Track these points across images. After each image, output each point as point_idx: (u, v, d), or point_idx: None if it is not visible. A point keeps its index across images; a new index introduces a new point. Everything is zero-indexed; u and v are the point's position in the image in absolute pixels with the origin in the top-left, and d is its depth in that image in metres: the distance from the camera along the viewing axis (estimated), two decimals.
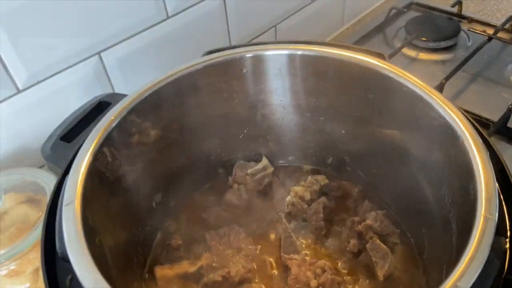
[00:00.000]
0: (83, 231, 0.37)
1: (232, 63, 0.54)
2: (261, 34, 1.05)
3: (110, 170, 0.47)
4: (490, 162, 0.38)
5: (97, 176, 0.44)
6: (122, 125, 0.48)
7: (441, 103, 0.44)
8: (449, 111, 0.43)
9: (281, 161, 0.67)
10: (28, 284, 0.62)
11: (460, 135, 0.41)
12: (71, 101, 0.76)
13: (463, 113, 0.43)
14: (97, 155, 0.44)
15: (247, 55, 0.53)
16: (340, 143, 0.62)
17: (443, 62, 1.06)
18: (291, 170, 0.67)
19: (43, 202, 0.66)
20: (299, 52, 0.51)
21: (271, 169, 0.65)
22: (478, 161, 0.37)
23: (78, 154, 0.43)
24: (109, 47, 0.79)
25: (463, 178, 0.39)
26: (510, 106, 0.91)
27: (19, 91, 0.70)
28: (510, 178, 0.39)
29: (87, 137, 0.46)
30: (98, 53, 0.78)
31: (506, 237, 0.37)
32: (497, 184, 0.36)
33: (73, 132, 0.51)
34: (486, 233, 0.32)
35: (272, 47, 0.52)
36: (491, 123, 0.88)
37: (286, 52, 0.52)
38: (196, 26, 0.89)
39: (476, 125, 0.42)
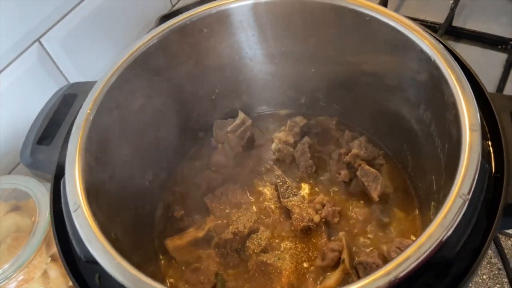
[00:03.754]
0: (100, 231, 0.37)
1: (193, 26, 0.53)
2: None
3: (100, 161, 0.46)
4: (464, 76, 0.40)
5: (91, 172, 0.43)
6: (100, 113, 0.46)
7: (409, 27, 0.45)
8: (418, 34, 0.44)
9: (256, 112, 0.68)
10: None
11: (431, 55, 0.43)
12: (25, 97, 0.72)
13: (426, 31, 0.45)
14: (86, 151, 0.43)
15: (209, 13, 0.51)
16: (310, 82, 0.63)
17: None
18: (268, 118, 0.68)
19: (30, 207, 0.64)
20: (263, 0, 0.50)
21: (249, 122, 0.66)
22: (454, 79, 0.40)
23: (67, 156, 0.42)
24: (47, 31, 0.73)
25: (441, 96, 0.42)
26: (452, 5, 0.95)
27: None
28: (481, 85, 0.42)
29: (68, 135, 0.45)
30: (37, 39, 0.72)
31: (487, 139, 0.41)
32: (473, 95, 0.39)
33: (47, 133, 0.49)
34: (474, 144, 0.36)
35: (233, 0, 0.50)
36: (437, 26, 0.92)
37: (251, 2, 0.51)
38: None
39: (444, 42, 0.44)
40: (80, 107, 0.45)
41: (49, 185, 0.64)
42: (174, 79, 0.58)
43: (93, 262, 0.37)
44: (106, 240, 0.37)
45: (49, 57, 0.75)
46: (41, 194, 0.63)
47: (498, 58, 0.92)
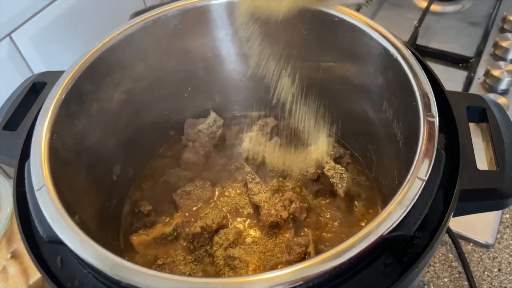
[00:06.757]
0: (64, 210, 0.37)
1: (166, 21, 0.54)
2: None
3: (67, 148, 0.45)
4: (423, 72, 0.43)
5: (57, 155, 0.43)
6: (69, 100, 0.46)
7: (372, 28, 0.48)
8: (381, 34, 0.47)
9: (228, 112, 0.69)
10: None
11: (393, 53, 0.45)
12: None
13: (393, 35, 0.47)
14: (53, 135, 0.43)
15: (184, 9, 0.52)
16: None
17: None
18: (239, 119, 0.69)
19: None
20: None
21: (221, 121, 0.67)
22: (414, 75, 0.43)
23: (34, 137, 0.41)
24: (19, 26, 0.73)
25: (402, 91, 0.45)
26: (416, 24, 1.01)
27: None
28: (440, 83, 0.45)
29: (35, 120, 0.44)
30: (8, 34, 0.72)
31: (444, 132, 0.43)
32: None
33: (14, 119, 0.48)
34: (431, 130, 0.38)
35: None
36: None
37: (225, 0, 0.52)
38: None
39: (407, 45, 0.47)
40: (50, 92, 0.45)
41: (12, 182, 0.62)
42: (145, 75, 0.58)
43: (55, 242, 0.36)
44: (70, 219, 0.36)
45: (19, 53, 0.74)
46: (4, 189, 0.61)
47: (459, 75, 0.98)
